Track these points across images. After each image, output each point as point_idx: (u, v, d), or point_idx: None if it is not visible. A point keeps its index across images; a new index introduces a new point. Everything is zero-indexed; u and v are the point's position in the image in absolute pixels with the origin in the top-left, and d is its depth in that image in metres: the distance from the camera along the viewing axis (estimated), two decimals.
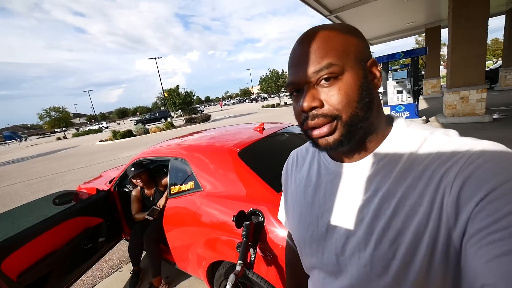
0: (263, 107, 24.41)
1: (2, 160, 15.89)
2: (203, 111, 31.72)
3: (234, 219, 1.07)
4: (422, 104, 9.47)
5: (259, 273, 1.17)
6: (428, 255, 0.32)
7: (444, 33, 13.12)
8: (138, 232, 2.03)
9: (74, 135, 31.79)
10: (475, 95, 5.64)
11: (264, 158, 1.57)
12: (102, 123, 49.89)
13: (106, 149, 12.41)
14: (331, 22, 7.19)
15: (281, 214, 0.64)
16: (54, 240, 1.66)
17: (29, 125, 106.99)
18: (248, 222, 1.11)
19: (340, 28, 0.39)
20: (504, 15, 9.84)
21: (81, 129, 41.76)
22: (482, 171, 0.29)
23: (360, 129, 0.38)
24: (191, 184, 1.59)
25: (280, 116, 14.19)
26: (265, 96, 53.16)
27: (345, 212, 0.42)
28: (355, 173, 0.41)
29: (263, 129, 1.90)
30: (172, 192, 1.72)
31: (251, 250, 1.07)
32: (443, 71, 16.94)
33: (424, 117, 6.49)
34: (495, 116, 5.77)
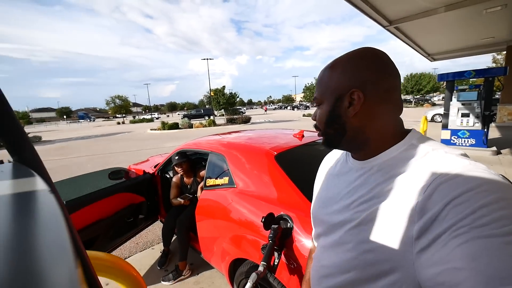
0: (304, 115, 24.00)
1: (74, 135, 18.95)
2: (244, 113, 32.70)
3: (263, 220, 1.08)
4: (494, 133, 8.06)
5: (281, 279, 1.15)
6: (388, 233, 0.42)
7: None
8: (172, 216, 2.19)
9: (131, 122, 35.96)
10: None
11: (300, 165, 1.54)
12: (154, 114, 55.23)
13: (154, 137, 13.72)
14: (389, 33, 6.66)
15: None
16: (105, 209, 1.90)
17: (97, 109, 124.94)
18: (277, 226, 1.11)
19: (337, 62, 0.51)
20: None
21: (137, 117, 47.00)
22: (452, 183, 0.36)
23: (336, 140, 0.53)
24: (225, 180, 1.66)
25: None
26: (307, 104, 52.30)
27: (342, 194, 0.54)
28: (359, 171, 0.52)
29: (303, 136, 1.88)
30: (207, 184, 1.82)
31: (276, 254, 1.07)
32: None
33: (494, 148, 5.50)
34: None
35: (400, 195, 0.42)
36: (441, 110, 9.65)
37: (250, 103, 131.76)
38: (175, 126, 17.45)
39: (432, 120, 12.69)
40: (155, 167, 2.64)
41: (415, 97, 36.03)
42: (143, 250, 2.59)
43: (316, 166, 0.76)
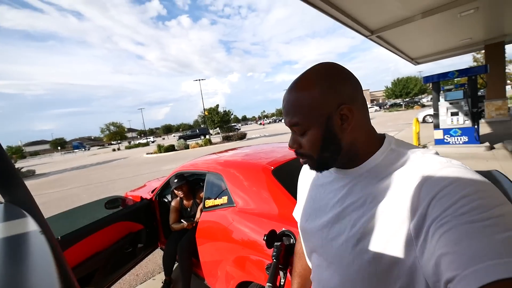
0: None
1: (69, 166, 18.68)
2: (240, 129, 32.92)
3: (265, 238, 1.05)
4: (485, 129, 8.23)
5: None
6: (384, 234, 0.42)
7: (509, 49, 11.55)
8: (173, 242, 2.11)
9: (126, 147, 35.84)
10: None
11: (298, 177, 1.53)
12: (150, 138, 55.27)
13: (151, 161, 13.61)
14: (373, 42, 6.94)
15: (295, 211, 0.74)
16: (102, 240, 1.83)
17: (92, 137, 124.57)
18: (280, 243, 1.08)
19: (310, 82, 0.47)
20: None
21: (132, 142, 46.91)
22: (434, 179, 0.39)
23: (331, 161, 0.51)
24: (224, 199, 1.63)
25: None
26: None
27: (331, 205, 0.53)
28: (344, 180, 0.52)
29: None
30: (206, 206, 1.78)
31: (281, 273, 1.02)
32: (510, 91, 14.73)
33: (487, 143, 5.60)
34: None
35: (392, 198, 0.43)
36: (431, 111, 9.88)
37: (245, 119, 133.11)
38: (171, 148, 17.42)
39: (424, 121, 12.95)
40: (152, 192, 2.59)
41: (404, 100, 37.09)
42: (144, 281, 2.47)
43: None
